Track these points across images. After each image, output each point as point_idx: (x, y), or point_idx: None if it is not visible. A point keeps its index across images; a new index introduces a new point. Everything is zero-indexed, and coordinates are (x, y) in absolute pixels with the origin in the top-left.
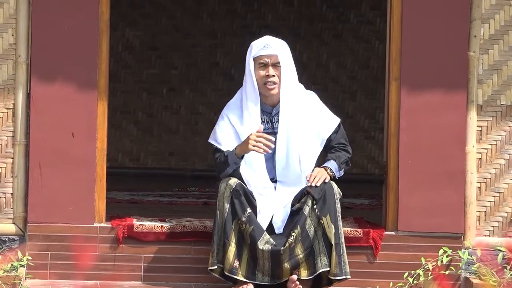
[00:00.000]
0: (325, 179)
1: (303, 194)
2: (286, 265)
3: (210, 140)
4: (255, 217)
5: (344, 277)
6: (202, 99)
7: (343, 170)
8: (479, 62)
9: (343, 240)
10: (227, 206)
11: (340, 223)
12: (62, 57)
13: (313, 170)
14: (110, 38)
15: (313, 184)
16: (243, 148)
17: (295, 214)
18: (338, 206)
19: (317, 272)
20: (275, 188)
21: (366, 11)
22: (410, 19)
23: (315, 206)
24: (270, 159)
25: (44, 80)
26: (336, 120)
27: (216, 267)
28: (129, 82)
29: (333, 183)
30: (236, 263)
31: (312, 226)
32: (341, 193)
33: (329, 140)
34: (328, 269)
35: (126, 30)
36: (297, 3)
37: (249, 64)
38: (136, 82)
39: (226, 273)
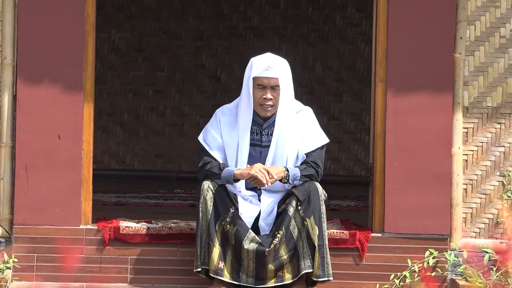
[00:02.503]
0: (271, 178)
1: (288, 195)
2: (271, 266)
3: (200, 139)
4: (239, 216)
5: (326, 278)
6: (188, 101)
7: (296, 182)
8: (465, 64)
9: (326, 241)
10: (210, 207)
11: (324, 224)
12: (48, 59)
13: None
14: (96, 40)
15: (256, 174)
16: (243, 172)
17: (280, 215)
18: (323, 207)
19: (301, 273)
20: (259, 198)
21: (352, 13)
22: (396, 21)
23: (299, 207)
24: None
25: (30, 82)
26: (323, 140)
27: (200, 269)
28: (115, 84)
29: (318, 184)
30: (221, 264)
31: (297, 227)
32: (326, 195)
33: (306, 155)
34: (311, 270)
35: (112, 32)
36: (283, 5)
37: (248, 83)
38: (122, 84)
39: (211, 275)
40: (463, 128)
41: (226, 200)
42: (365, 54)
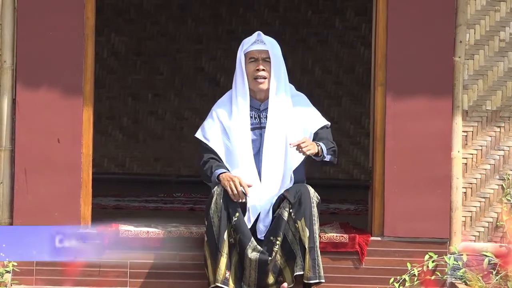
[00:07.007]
0: (308, 150)
1: (281, 199)
2: (271, 275)
3: (198, 135)
4: (242, 223)
5: (317, 281)
6: (187, 104)
7: (329, 157)
8: (464, 67)
9: (318, 244)
10: (217, 220)
11: (315, 227)
12: (48, 63)
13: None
14: (95, 43)
15: (292, 145)
16: (223, 178)
17: (275, 219)
18: (315, 210)
19: (293, 275)
20: (260, 179)
21: (351, 17)
22: (395, 24)
23: (291, 210)
24: (256, 155)
25: (29, 86)
26: (324, 121)
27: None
28: (114, 88)
29: (310, 187)
30: (228, 274)
31: (290, 231)
32: (318, 198)
33: (315, 135)
34: (302, 272)
35: (111, 35)
36: (282, 8)
37: (240, 59)
38: (121, 88)
39: (219, 284)
40: (463, 131)
41: (232, 205)
42: (365, 58)
